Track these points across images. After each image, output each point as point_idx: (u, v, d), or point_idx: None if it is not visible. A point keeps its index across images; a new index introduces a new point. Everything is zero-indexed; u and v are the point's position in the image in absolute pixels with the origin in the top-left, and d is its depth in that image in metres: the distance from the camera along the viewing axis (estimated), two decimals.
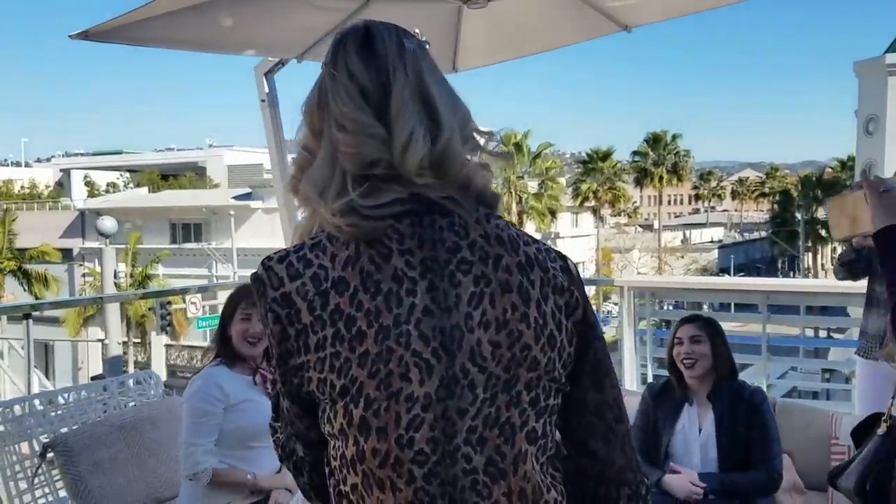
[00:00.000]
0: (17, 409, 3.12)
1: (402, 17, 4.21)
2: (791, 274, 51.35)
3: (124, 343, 23.73)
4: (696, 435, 3.00)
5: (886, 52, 26.56)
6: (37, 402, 3.20)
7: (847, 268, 3.57)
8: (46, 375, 24.18)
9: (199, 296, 19.67)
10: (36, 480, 2.99)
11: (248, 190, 30.58)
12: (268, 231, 28.57)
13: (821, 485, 3.46)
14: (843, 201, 2.08)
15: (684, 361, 3.01)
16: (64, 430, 3.10)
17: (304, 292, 1.09)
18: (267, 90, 4.54)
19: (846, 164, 41.06)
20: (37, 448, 3.04)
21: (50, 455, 2.92)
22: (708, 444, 2.97)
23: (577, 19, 3.95)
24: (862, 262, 3.47)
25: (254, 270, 1.14)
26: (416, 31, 1.21)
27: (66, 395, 3.29)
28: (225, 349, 2.94)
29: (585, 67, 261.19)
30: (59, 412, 3.21)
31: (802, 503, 3.36)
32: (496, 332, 1.09)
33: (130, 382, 3.53)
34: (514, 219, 32.12)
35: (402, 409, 1.06)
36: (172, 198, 34.72)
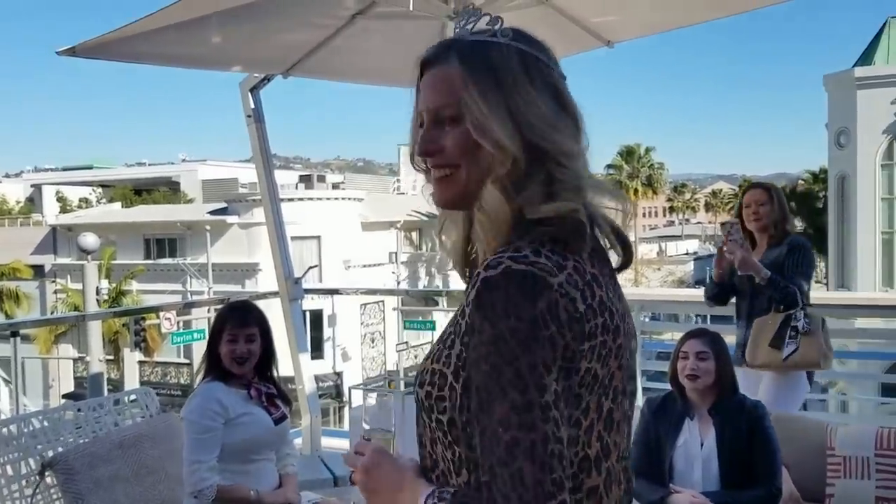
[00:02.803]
0: (13, 427, 3.09)
1: (387, 32, 4.25)
2: None
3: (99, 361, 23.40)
4: (697, 450, 2.98)
5: (855, 65, 26.91)
6: (34, 420, 3.15)
7: (715, 300, 4.16)
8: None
9: (173, 311, 19.51)
10: (34, 500, 2.95)
11: (223, 204, 30.36)
12: (244, 246, 28.39)
13: (817, 496, 3.51)
14: None
15: (688, 376, 3.01)
16: (61, 448, 3.06)
17: (574, 282, 1.05)
18: (253, 106, 4.56)
19: (818, 177, 41.64)
20: (33, 467, 3.00)
21: (48, 473, 2.89)
22: (710, 458, 2.95)
23: (561, 35, 3.99)
24: (726, 288, 4.07)
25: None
26: None
27: (62, 414, 3.27)
28: (216, 367, 2.95)
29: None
30: (56, 430, 3.17)
31: None
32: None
33: (126, 399, 3.52)
34: None
35: (627, 404, 1.12)
36: (146, 213, 34.40)
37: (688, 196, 77.73)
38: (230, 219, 29.09)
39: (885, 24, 27.34)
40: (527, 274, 1.01)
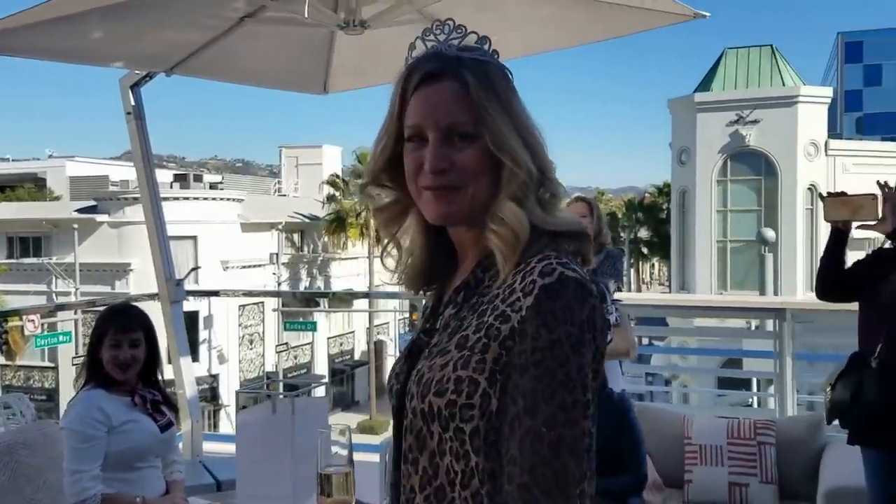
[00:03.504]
0: None
1: (275, 36, 4.25)
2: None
3: None
4: None
5: (695, 91, 29.17)
6: None
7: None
8: None
9: (37, 313, 18.61)
10: None
11: (92, 202, 29.08)
12: (114, 245, 27.29)
13: (677, 482, 3.80)
14: (848, 199, 2.99)
15: None
16: None
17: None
18: (133, 103, 4.46)
19: (662, 190, 44.68)
20: None
21: None
22: None
23: None
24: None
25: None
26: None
27: None
28: (98, 373, 2.86)
29: None
30: None
31: (662, 499, 3.67)
32: None
33: None
34: (373, 235, 32.12)
35: None
36: (9, 210, 32.48)
37: None
38: (100, 217, 27.91)
39: (722, 55, 30.03)
40: (578, 281, 1.05)
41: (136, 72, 4.40)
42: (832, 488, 3.36)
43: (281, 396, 3.49)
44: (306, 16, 3.04)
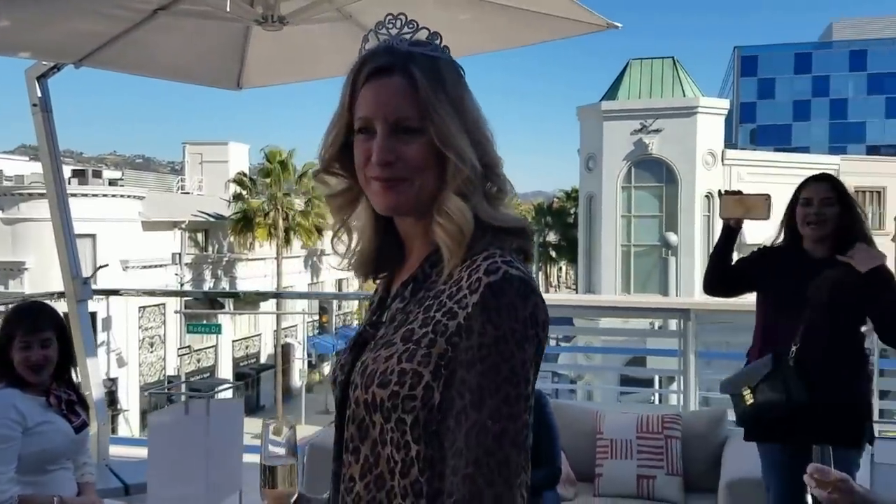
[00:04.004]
0: None
1: (189, 31, 4.16)
2: None
3: None
4: None
5: (602, 99, 30.29)
6: None
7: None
8: None
9: None
10: None
11: None
12: (7, 243, 26.06)
13: (589, 475, 3.92)
14: (744, 197, 3.13)
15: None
16: None
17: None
18: (39, 95, 4.32)
19: (570, 195, 46.02)
20: None
21: None
22: None
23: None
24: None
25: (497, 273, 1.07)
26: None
27: None
28: (9, 373, 2.76)
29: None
30: None
31: (574, 493, 3.78)
32: None
33: None
34: (282, 235, 31.69)
35: None
36: None
37: None
38: None
39: (626, 65, 31.25)
40: (522, 279, 1.09)
41: (44, 63, 4.27)
42: (732, 480, 3.52)
43: (183, 398, 3.43)
44: (228, 10, 3.01)
